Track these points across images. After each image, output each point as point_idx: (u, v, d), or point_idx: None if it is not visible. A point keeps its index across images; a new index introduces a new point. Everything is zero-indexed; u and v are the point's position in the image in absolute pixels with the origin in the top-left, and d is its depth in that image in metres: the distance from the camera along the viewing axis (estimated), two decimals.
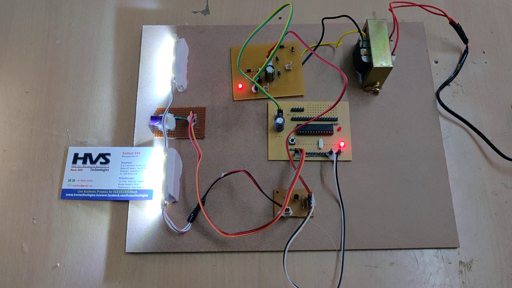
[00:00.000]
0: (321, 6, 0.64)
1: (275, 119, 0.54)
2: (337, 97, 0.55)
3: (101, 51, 0.61)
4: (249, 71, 0.59)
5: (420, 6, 0.58)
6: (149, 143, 0.55)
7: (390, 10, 0.53)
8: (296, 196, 0.52)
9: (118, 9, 0.63)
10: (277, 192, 0.52)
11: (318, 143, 0.54)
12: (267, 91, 0.57)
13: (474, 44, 0.61)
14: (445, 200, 0.52)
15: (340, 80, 0.58)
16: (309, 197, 0.51)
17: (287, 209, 0.50)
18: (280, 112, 0.55)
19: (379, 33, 0.53)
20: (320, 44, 0.59)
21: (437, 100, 0.57)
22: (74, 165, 0.54)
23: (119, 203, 0.53)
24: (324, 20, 0.58)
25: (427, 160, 0.54)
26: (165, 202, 0.50)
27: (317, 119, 0.55)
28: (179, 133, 0.55)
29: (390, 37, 0.53)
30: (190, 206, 0.52)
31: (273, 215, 0.52)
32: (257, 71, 0.56)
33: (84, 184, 0.53)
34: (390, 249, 0.51)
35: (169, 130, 0.55)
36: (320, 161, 0.54)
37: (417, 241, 0.51)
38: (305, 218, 0.50)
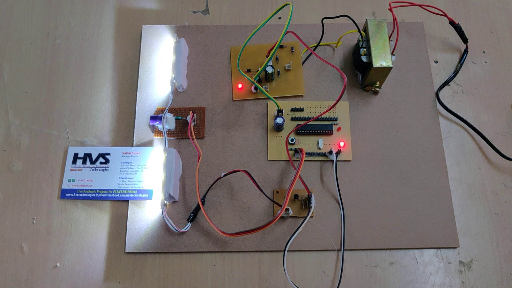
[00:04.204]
0: (321, 6, 0.64)
1: (275, 119, 0.54)
2: (337, 97, 0.55)
3: (100, 51, 0.61)
4: (249, 71, 0.59)
5: (420, 6, 0.58)
6: (149, 143, 0.55)
7: (390, 10, 0.53)
8: (296, 196, 0.52)
9: (118, 9, 0.63)
10: (277, 192, 0.52)
11: (318, 143, 0.54)
12: (267, 91, 0.56)
13: (474, 44, 0.61)
14: (445, 200, 0.52)
15: (340, 80, 0.58)
16: (309, 197, 0.51)
17: (287, 209, 0.50)
18: (280, 112, 0.54)
19: (379, 33, 0.53)
20: (320, 44, 0.59)
21: (437, 100, 0.57)
22: (74, 165, 0.54)
23: (119, 203, 0.53)
24: (324, 20, 0.58)
25: (427, 160, 0.54)
26: (165, 202, 0.50)
27: (317, 119, 0.55)
28: (179, 133, 0.55)
29: (390, 37, 0.53)
30: (190, 206, 0.52)
31: (273, 215, 0.52)
32: (257, 71, 0.56)
33: (84, 184, 0.53)
34: (390, 249, 0.51)
35: (169, 130, 0.55)
36: (320, 161, 0.54)
37: (417, 241, 0.51)
38: (305, 218, 0.50)
